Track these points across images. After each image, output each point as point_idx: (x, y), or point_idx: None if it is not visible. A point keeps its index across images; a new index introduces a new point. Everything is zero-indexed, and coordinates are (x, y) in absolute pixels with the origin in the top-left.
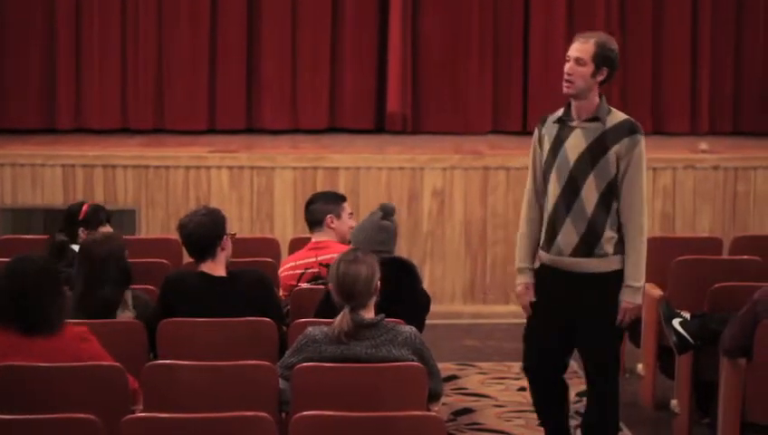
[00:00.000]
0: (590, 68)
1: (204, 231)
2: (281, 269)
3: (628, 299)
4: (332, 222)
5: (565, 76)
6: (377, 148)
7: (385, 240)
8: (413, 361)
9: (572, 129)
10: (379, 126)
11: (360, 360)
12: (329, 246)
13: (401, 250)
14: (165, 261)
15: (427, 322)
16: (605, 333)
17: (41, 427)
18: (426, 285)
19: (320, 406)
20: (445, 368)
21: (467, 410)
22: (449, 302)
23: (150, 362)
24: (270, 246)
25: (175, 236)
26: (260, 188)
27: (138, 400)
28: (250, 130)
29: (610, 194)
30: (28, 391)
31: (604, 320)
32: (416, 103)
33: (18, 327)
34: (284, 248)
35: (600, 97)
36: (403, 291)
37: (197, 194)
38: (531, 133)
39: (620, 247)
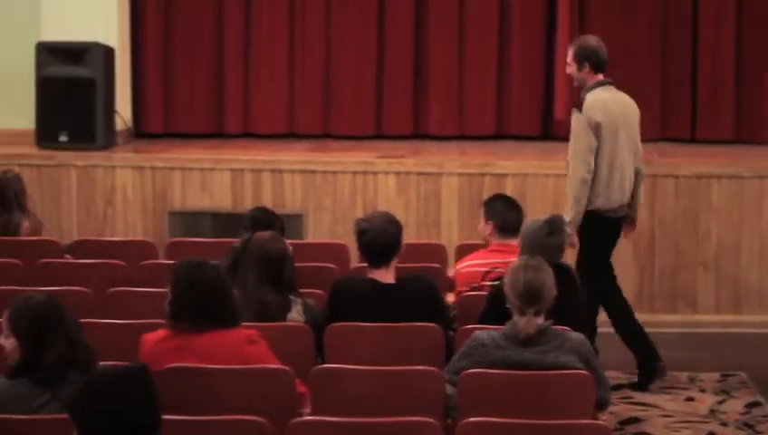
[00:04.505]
0: (574, 67)
1: (388, 238)
2: (460, 265)
3: None
4: None
5: None
6: (544, 154)
7: (554, 252)
8: (580, 368)
9: None
10: (546, 133)
11: (527, 365)
12: (516, 251)
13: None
14: (332, 265)
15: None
16: None
17: (210, 428)
18: None
19: (486, 412)
20: (612, 376)
21: (634, 420)
22: None
23: (318, 366)
24: (437, 252)
25: (342, 240)
26: (427, 193)
27: (305, 403)
28: (417, 135)
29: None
30: (197, 393)
31: None
32: None
33: (192, 322)
34: (451, 254)
35: (597, 85)
36: (569, 297)
37: (364, 199)
38: (700, 141)
39: None
